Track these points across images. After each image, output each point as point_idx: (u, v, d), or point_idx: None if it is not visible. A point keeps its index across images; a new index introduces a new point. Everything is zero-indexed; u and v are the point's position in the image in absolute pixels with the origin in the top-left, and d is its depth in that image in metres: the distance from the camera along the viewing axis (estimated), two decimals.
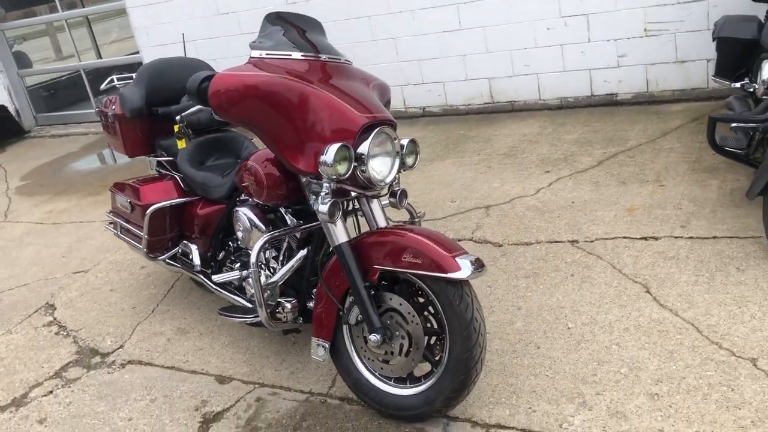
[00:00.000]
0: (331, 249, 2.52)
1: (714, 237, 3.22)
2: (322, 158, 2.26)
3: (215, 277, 2.81)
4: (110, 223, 3.77)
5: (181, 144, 2.85)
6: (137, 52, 7.68)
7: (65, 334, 3.65)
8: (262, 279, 2.72)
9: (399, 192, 2.62)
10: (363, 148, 2.33)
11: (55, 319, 3.84)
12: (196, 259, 3.16)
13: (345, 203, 2.66)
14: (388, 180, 2.46)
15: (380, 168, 2.43)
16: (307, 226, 2.70)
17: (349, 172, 2.32)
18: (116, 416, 2.86)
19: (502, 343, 2.80)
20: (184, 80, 3.31)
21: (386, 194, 2.65)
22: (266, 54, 2.41)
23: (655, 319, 2.74)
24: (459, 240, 3.73)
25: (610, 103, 5.42)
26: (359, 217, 2.71)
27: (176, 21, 7.06)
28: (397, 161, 2.48)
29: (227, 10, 6.73)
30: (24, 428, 2.89)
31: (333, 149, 2.26)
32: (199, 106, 2.71)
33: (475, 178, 4.50)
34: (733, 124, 3.20)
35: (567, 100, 5.60)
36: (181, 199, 3.23)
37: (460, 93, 6.02)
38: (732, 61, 3.79)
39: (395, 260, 2.34)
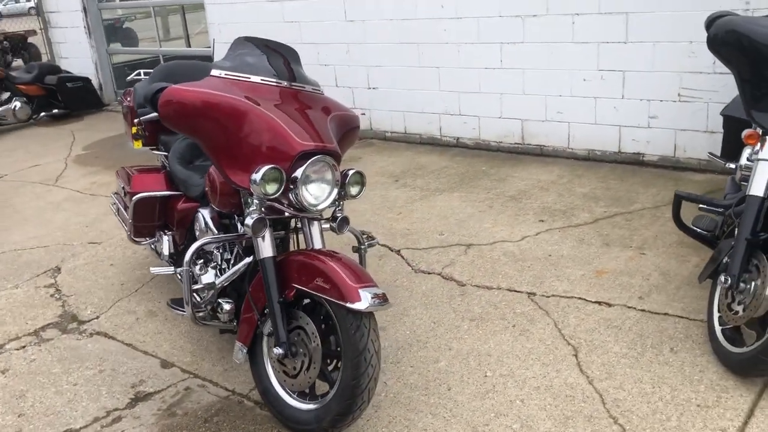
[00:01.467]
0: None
1: (665, 314, 3.20)
2: (253, 176, 2.45)
3: (151, 267, 3.00)
4: (113, 203, 4.09)
5: (137, 144, 3.10)
6: (209, 47, 8.12)
7: (58, 297, 3.99)
8: (206, 278, 2.95)
9: (339, 218, 2.77)
10: (298, 173, 2.50)
11: (55, 282, 4.20)
12: (165, 250, 3.42)
13: (292, 222, 2.85)
14: (322, 206, 2.62)
15: (315, 193, 2.59)
16: (243, 236, 2.86)
17: (278, 193, 2.50)
18: (65, 380, 3.14)
19: (419, 379, 2.91)
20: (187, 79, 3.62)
21: (327, 218, 2.80)
22: (225, 74, 2.63)
23: (569, 383, 2.78)
24: (428, 273, 3.84)
25: (635, 162, 5.37)
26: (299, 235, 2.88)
27: (246, 23, 7.44)
28: (335, 190, 2.64)
29: (292, 19, 7.06)
30: None
31: (263, 170, 2.44)
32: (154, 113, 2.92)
33: (471, 215, 4.59)
34: (701, 206, 3.18)
35: (594, 152, 5.58)
36: (165, 192, 3.50)
37: (493, 130, 6.09)
38: (735, 140, 3.73)
39: (308, 282, 2.50)
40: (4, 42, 13.78)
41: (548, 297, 3.46)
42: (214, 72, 2.63)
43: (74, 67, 9.68)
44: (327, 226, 2.83)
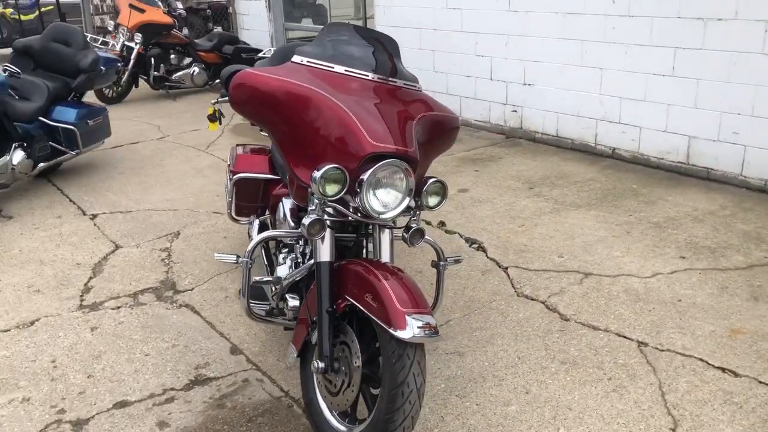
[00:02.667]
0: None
1: None
2: (313, 174, 2.25)
3: (215, 253, 2.88)
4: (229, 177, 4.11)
5: (212, 127, 3.00)
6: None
7: (167, 262, 4.10)
8: (280, 271, 2.82)
9: (413, 229, 2.51)
10: (365, 176, 2.27)
11: (170, 247, 4.32)
12: (254, 233, 3.35)
13: (365, 226, 2.62)
14: (390, 215, 2.37)
15: (384, 200, 2.35)
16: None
17: (340, 195, 2.29)
18: (140, 348, 3.17)
19: (480, 421, 2.58)
20: None
21: (400, 228, 2.55)
22: (307, 61, 2.44)
23: None
24: (531, 298, 3.44)
25: None
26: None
27: (408, 6, 7.27)
28: (407, 198, 2.37)
29: (455, 5, 6.77)
30: (77, 329, 3.34)
31: (324, 168, 2.24)
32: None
33: (602, 240, 4.08)
34: None
35: None
36: (265, 175, 3.42)
37: (655, 144, 5.42)
38: None
39: (359, 296, 2.28)
40: (208, 10, 14.83)
41: (662, 351, 2.95)
42: (296, 58, 2.45)
43: (253, 40, 10.11)
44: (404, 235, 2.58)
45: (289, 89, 2.33)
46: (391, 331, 2.13)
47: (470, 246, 4.10)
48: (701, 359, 2.88)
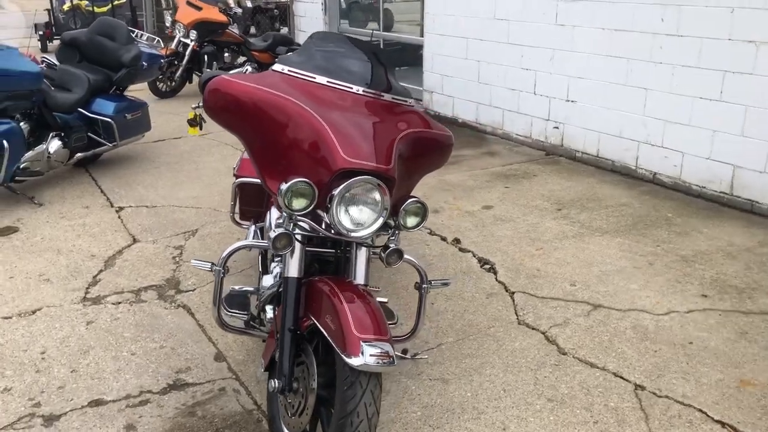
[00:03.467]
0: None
1: None
2: (281, 187, 2.19)
3: (193, 259, 2.82)
4: None
5: (192, 131, 2.96)
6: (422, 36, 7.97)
7: (177, 260, 4.11)
8: (264, 281, 2.77)
9: (390, 249, 2.40)
10: (335, 191, 2.18)
11: (184, 245, 4.34)
12: (250, 237, 3.30)
13: (344, 242, 2.53)
14: (362, 234, 2.29)
15: (356, 217, 2.26)
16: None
17: (307, 210, 2.22)
18: (127, 347, 3.18)
19: None
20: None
21: (378, 247, 2.45)
22: (288, 70, 2.37)
23: None
24: (532, 327, 3.28)
25: None
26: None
27: (458, 15, 7.15)
28: (381, 218, 2.28)
29: (502, 16, 6.61)
30: (74, 322, 3.38)
31: (291, 182, 2.17)
32: None
33: (621, 270, 3.87)
34: None
35: None
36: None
37: (697, 171, 5.14)
38: None
39: (321, 316, 2.20)
40: (275, 10, 15.06)
41: (659, 396, 2.75)
42: (277, 67, 2.39)
43: None
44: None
45: (263, 98, 2.27)
46: (343, 356, 2.04)
47: (481, 266, 3.96)
48: (701, 410, 2.67)
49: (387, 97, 2.46)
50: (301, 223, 2.31)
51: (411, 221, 2.40)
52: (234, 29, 9.50)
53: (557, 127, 6.26)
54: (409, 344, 2.69)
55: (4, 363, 3.03)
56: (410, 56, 8.56)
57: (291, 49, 9.41)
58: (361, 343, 2.06)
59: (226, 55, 9.22)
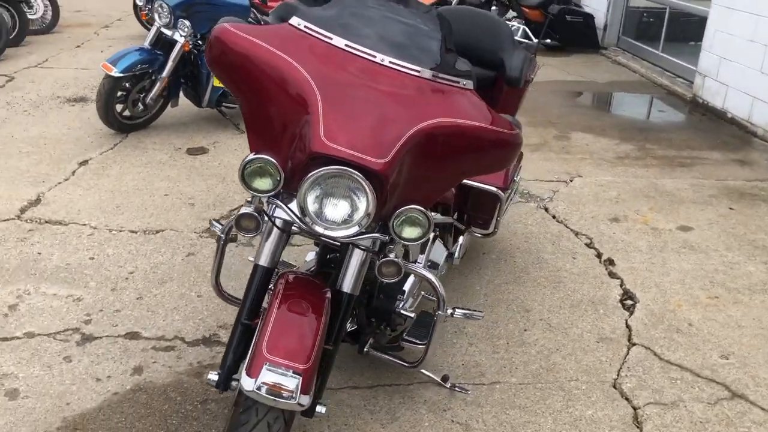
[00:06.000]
0: None
1: None
2: (245, 159, 1.88)
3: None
4: None
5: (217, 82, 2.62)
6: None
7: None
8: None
9: (382, 260, 1.96)
10: (303, 181, 1.82)
11: None
12: None
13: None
14: (336, 234, 1.88)
15: (330, 215, 1.87)
16: None
17: (272, 192, 1.88)
18: (198, 288, 3.17)
19: None
20: (468, 37, 3.00)
21: (373, 252, 2.03)
22: (304, 26, 1.99)
23: None
24: (625, 398, 2.53)
25: None
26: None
27: None
28: (365, 220, 1.85)
29: None
30: (178, 249, 3.48)
31: (249, 157, 1.85)
32: None
33: (733, 324, 2.81)
34: None
35: None
36: None
37: None
38: None
39: (256, 318, 1.91)
40: None
41: None
42: (294, 21, 2.02)
43: (594, 2, 9.20)
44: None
45: (260, 55, 1.94)
46: (243, 372, 1.72)
47: (620, 300, 3.18)
48: None
49: (425, 73, 1.95)
50: (274, 206, 1.98)
51: (408, 232, 1.91)
52: None
53: None
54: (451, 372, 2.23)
55: (97, 273, 3.23)
56: (694, 30, 7.23)
57: (564, 9, 8.63)
58: (264, 365, 1.71)
59: (494, 8, 8.77)
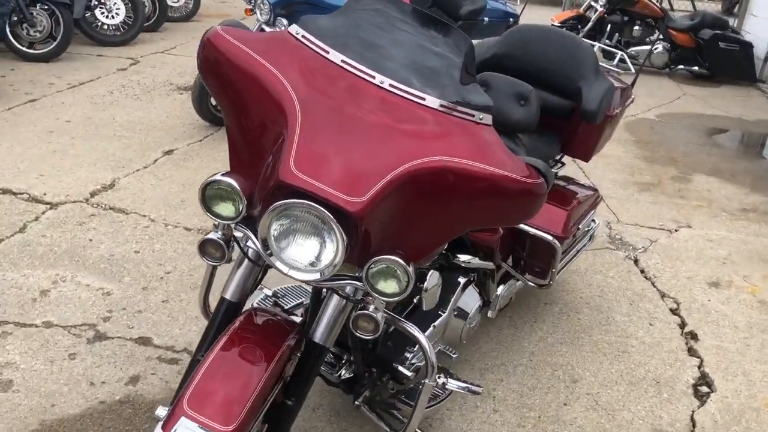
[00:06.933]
0: None
1: None
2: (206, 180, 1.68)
3: None
4: None
5: None
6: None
7: None
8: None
9: (357, 313, 1.69)
10: (265, 213, 1.59)
11: None
12: None
13: None
14: (298, 276, 1.63)
15: (292, 254, 1.62)
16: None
17: (232, 221, 1.66)
18: None
19: None
20: (544, 60, 2.67)
21: (353, 300, 1.76)
22: (303, 35, 1.75)
23: None
24: None
25: None
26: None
27: None
28: (333, 265, 1.58)
29: None
30: None
31: (210, 179, 1.64)
32: None
33: None
34: None
35: None
36: None
37: None
38: None
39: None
40: None
41: None
42: (293, 29, 1.78)
43: (758, 29, 8.25)
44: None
45: (247, 65, 1.71)
46: (158, 426, 1.52)
47: (693, 386, 2.68)
48: None
49: (431, 102, 1.65)
50: (238, 234, 1.75)
51: (383, 285, 1.62)
52: (655, 2, 8.24)
53: None
54: None
55: (135, 269, 3.18)
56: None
57: (718, 35, 7.80)
58: (182, 417, 1.49)
59: (636, 28, 8.10)
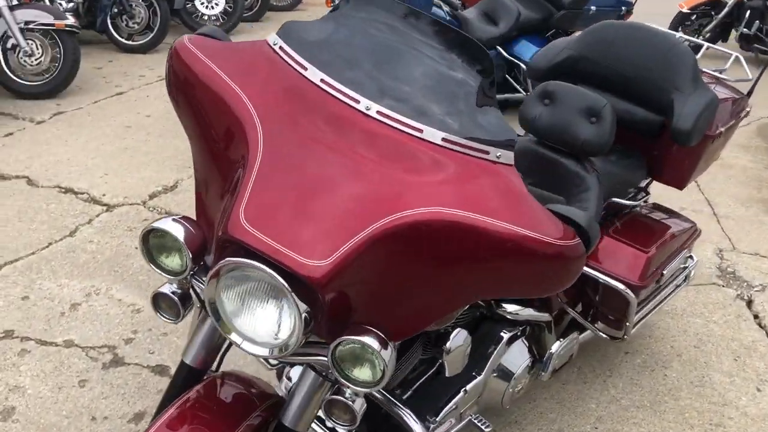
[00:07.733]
0: None
1: None
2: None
3: None
4: None
5: None
6: None
7: None
8: None
9: (328, 399, 1.35)
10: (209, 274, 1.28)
11: None
12: None
13: None
14: (251, 350, 1.31)
15: (243, 325, 1.30)
16: None
17: (179, 276, 1.37)
18: None
19: None
20: (630, 65, 2.22)
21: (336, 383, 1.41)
22: (280, 47, 1.40)
23: None
24: None
25: None
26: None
27: None
28: (292, 341, 1.25)
29: None
30: None
31: (153, 225, 1.34)
32: None
33: None
34: None
35: None
36: None
37: None
38: None
39: None
40: None
41: None
42: (271, 39, 1.42)
43: None
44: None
45: (210, 83, 1.39)
46: None
47: None
48: None
49: (431, 135, 1.26)
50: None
51: (357, 372, 1.26)
52: None
53: None
54: None
55: None
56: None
57: None
58: None
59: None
